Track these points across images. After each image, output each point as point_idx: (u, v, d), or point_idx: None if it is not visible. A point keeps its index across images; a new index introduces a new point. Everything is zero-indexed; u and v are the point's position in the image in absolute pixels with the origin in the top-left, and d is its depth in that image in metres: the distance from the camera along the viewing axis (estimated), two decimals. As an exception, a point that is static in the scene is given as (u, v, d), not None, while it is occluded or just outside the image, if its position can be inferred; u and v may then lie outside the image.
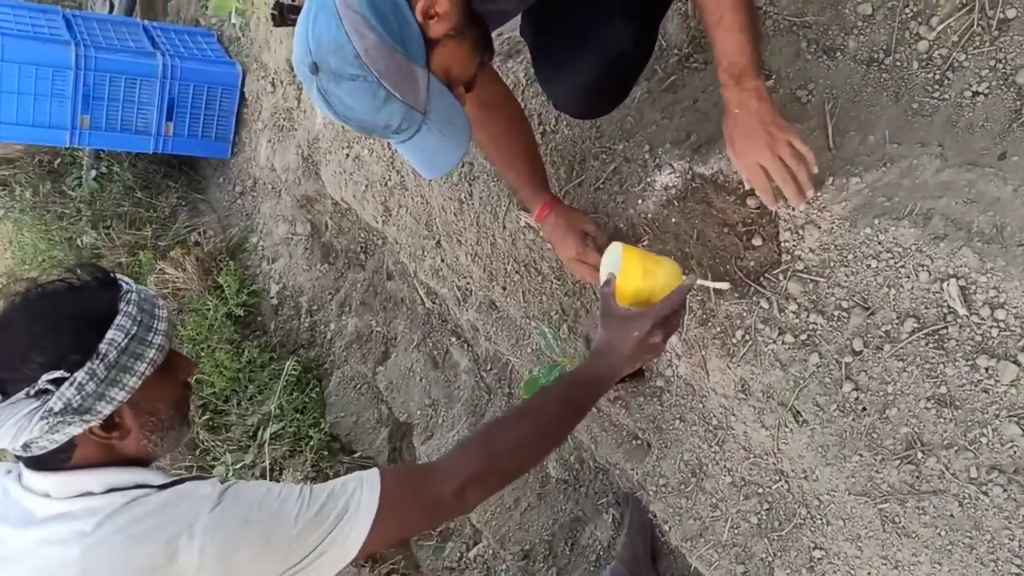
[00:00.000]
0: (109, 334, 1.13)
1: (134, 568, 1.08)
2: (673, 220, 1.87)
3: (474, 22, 1.40)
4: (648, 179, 1.93)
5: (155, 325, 1.19)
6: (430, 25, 1.32)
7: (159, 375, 1.20)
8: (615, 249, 1.50)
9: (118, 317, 1.15)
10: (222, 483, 1.19)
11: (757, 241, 1.73)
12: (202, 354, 3.86)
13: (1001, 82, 1.50)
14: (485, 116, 1.81)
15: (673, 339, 1.89)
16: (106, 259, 4.47)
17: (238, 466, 3.41)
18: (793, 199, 1.52)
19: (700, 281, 1.56)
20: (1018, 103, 1.46)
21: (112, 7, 4.82)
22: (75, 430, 1.13)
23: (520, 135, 1.89)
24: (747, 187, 1.68)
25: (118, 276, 1.22)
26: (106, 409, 1.14)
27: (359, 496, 1.22)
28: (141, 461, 1.24)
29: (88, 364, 1.11)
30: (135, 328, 1.16)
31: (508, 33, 2.31)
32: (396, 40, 1.28)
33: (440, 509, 1.30)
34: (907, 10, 1.63)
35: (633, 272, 1.46)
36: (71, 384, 1.10)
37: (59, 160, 4.89)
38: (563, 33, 1.71)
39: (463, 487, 1.28)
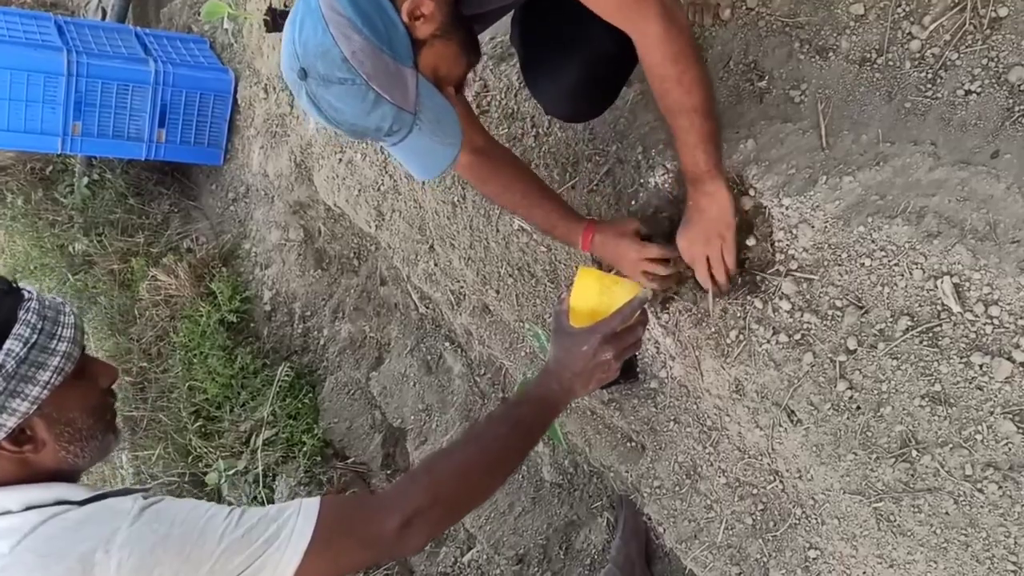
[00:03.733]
0: (6, 344, 1.08)
1: None
2: (664, 214, 1.87)
3: (460, 23, 1.40)
4: (641, 180, 1.93)
5: (59, 332, 1.14)
6: (416, 26, 1.32)
7: (72, 383, 1.16)
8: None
9: (16, 326, 1.10)
10: (146, 498, 1.14)
11: (751, 241, 1.73)
12: (195, 361, 3.85)
13: (993, 80, 1.50)
14: (485, 164, 1.80)
15: (667, 341, 1.89)
16: (98, 266, 4.46)
17: (231, 472, 3.39)
18: (716, 290, 1.71)
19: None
20: (1010, 101, 1.46)
21: (104, 14, 4.81)
22: None
23: (528, 175, 1.86)
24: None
25: (19, 285, 1.17)
26: (9, 422, 1.10)
27: (293, 523, 1.15)
28: (65, 475, 1.20)
29: None
30: (35, 336, 1.11)
31: (501, 37, 2.31)
32: (383, 42, 1.27)
33: (379, 546, 1.21)
34: (899, 10, 1.63)
35: (588, 289, 1.42)
36: None
37: (51, 167, 4.87)
38: (549, 36, 1.71)
39: (406, 522, 1.20)
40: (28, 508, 1.10)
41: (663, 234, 1.79)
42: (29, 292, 1.16)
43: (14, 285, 1.16)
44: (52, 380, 1.12)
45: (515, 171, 1.84)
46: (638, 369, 2.07)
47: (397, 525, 1.19)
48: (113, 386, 1.30)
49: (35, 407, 1.12)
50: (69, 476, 1.21)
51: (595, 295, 1.41)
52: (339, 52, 1.25)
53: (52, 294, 1.22)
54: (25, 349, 1.10)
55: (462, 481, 1.29)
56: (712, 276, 1.68)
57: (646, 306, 1.45)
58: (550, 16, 1.68)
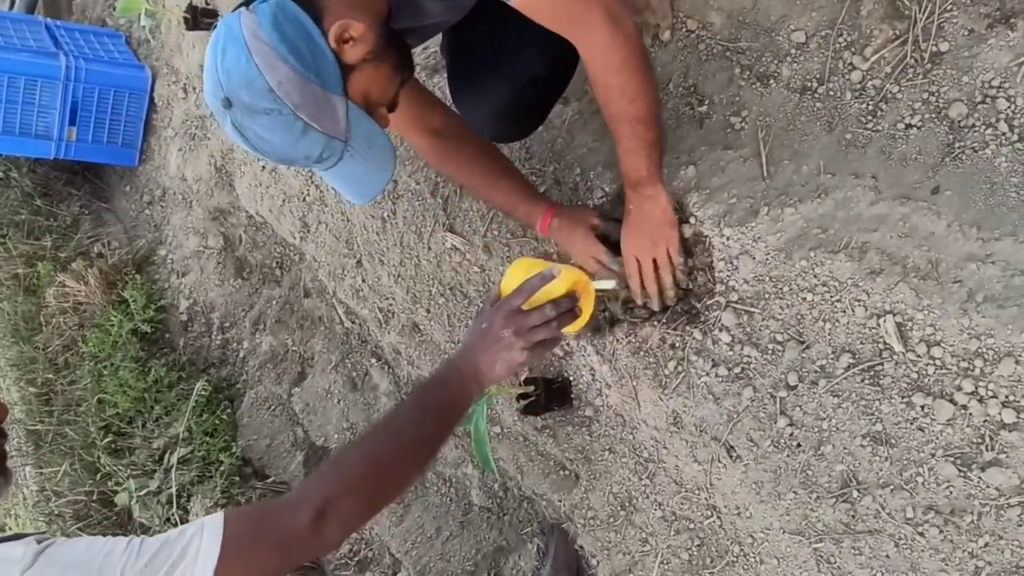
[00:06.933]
0: None
1: None
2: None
3: (392, 42, 1.34)
4: (579, 202, 1.88)
5: None
6: (345, 50, 1.26)
7: None
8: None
9: None
10: (39, 543, 1.06)
11: (690, 262, 1.68)
12: (105, 372, 3.65)
13: (934, 115, 1.49)
14: (443, 145, 1.76)
15: (604, 368, 1.84)
16: (1, 270, 4.20)
17: (142, 492, 3.22)
18: (652, 301, 1.69)
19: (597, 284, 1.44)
20: (951, 137, 1.46)
21: (12, 3, 4.56)
22: None
23: (490, 155, 1.81)
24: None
25: None
26: None
27: (198, 542, 1.08)
28: None
29: None
30: None
31: (434, 47, 2.23)
32: (310, 70, 1.22)
33: (295, 546, 1.14)
34: (840, 40, 1.61)
35: (514, 278, 1.36)
36: None
37: (-51, 163, 4.59)
38: (479, 54, 1.66)
39: (318, 516, 1.14)
40: None
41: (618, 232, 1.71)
42: None
43: None
44: None
45: (475, 152, 1.79)
46: (572, 395, 2.02)
47: (309, 520, 1.13)
48: (3, 424, 1.19)
49: None
50: None
51: (521, 278, 1.34)
52: (264, 83, 1.19)
53: None
54: None
55: (373, 468, 1.22)
56: (657, 279, 1.67)
57: (575, 302, 1.36)
58: (482, 32, 1.62)
